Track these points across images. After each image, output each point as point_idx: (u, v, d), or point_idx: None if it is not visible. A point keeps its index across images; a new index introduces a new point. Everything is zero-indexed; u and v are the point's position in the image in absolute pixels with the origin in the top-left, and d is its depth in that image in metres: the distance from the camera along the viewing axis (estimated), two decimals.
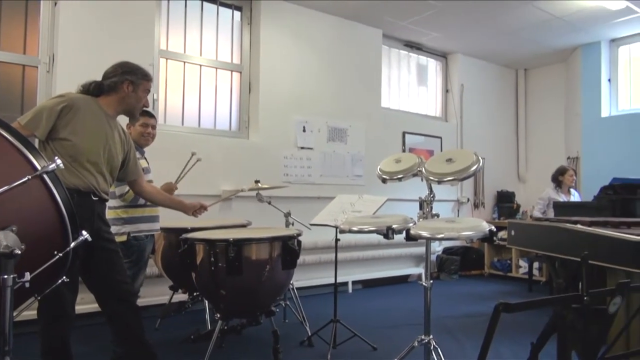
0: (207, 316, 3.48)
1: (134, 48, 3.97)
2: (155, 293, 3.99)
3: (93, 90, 2.28)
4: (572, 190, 5.26)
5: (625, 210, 3.99)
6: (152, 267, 3.76)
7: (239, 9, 4.93)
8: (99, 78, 2.34)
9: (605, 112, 6.12)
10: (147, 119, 3.11)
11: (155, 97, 4.24)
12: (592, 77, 6.18)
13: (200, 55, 4.68)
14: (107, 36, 3.90)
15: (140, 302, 3.49)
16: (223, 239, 2.59)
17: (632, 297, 1.73)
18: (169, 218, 3.42)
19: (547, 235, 2.04)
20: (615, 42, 6.11)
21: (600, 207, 4.12)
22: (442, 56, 6.70)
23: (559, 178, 5.23)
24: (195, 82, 4.67)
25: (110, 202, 2.93)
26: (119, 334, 2.31)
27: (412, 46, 6.30)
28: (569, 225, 1.94)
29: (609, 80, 6.16)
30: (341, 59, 5.41)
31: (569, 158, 6.50)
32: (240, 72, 4.91)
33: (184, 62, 4.58)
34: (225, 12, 4.87)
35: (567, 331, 1.30)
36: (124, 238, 2.90)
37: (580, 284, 1.99)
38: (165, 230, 3.30)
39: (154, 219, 3.11)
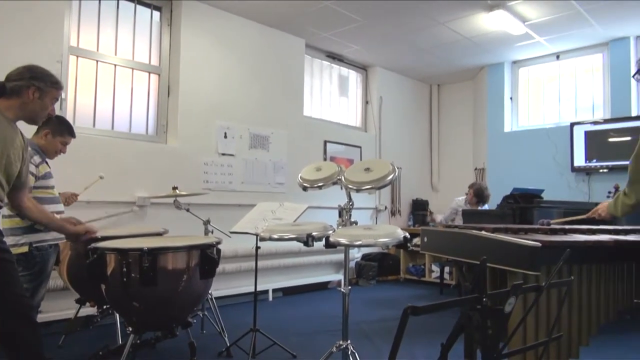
0: (118, 330, 3.28)
1: (40, 43, 3.70)
2: (60, 307, 3.71)
3: None
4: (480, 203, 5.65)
5: (523, 218, 4.37)
6: (57, 279, 3.49)
7: (158, 9, 4.76)
8: None
9: (507, 128, 6.67)
10: (70, 138, 2.93)
11: (63, 96, 3.96)
12: (496, 95, 6.72)
13: (115, 54, 4.45)
14: (9, 29, 3.59)
15: (41, 317, 3.23)
16: (136, 248, 2.46)
17: (528, 297, 1.89)
18: None
19: (455, 241, 2.17)
20: (516, 63, 6.70)
21: (503, 215, 4.48)
22: (362, 68, 6.94)
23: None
24: (109, 83, 4.42)
25: (6, 211, 2.68)
26: (15, 354, 2.11)
27: (334, 57, 6.45)
28: (474, 232, 2.08)
29: (511, 98, 6.73)
30: (264, 66, 5.41)
31: (476, 169, 7.00)
32: (159, 74, 4.73)
33: (97, 61, 4.33)
34: (144, 12, 4.67)
35: (473, 331, 1.39)
36: (25, 249, 2.65)
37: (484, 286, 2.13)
38: None
39: None
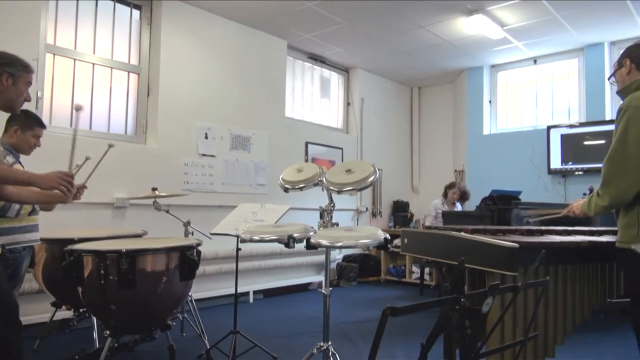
0: (95, 333, 3.22)
1: (15, 40, 3.61)
2: (34, 311, 3.62)
3: None
4: (456, 202, 5.73)
5: (502, 219, 4.44)
6: (31, 281, 3.41)
7: (138, 7, 4.69)
8: None
9: (486, 130, 6.77)
10: (40, 129, 2.85)
11: (39, 94, 3.88)
12: (475, 98, 6.82)
13: (94, 53, 4.38)
14: None
15: None
16: (114, 250, 2.43)
17: (505, 297, 1.92)
18: (52, 227, 3.14)
19: (435, 242, 2.20)
20: (495, 67, 6.81)
21: (482, 216, 4.55)
22: (344, 70, 6.96)
23: (447, 191, 5.67)
24: (87, 82, 4.35)
25: None
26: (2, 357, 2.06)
27: (316, 59, 6.46)
28: (453, 233, 2.11)
29: (490, 101, 6.84)
30: (246, 67, 5.39)
31: (456, 171, 7.08)
32: (138, 74, 4.67)
33: (75, 59, 4.25)
34: (123, 10, 4.61)
35: (452, 331, 1.41)
36: None
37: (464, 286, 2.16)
38: (47, 241, 3.01)
39: (32, 228, 2.80)
